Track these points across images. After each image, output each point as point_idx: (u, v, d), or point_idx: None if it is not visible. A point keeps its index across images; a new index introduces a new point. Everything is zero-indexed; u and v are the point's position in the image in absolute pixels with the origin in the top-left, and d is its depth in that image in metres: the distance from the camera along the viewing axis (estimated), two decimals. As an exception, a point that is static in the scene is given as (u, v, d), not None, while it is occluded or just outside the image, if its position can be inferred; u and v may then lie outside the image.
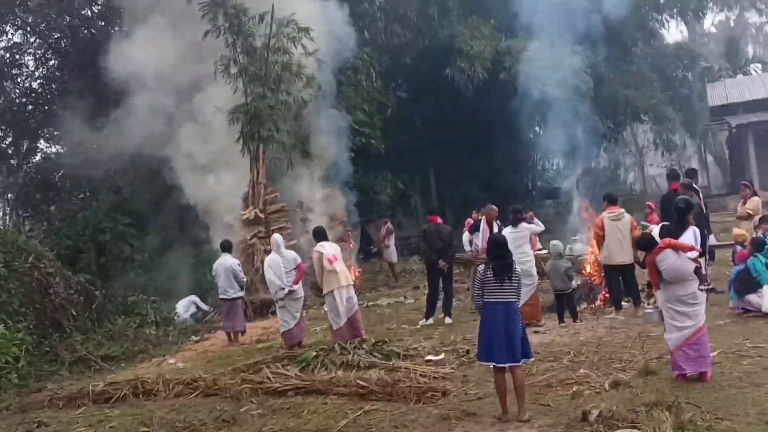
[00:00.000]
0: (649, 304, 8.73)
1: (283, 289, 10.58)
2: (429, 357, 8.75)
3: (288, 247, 16.21)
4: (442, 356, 8.76)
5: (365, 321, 11.25)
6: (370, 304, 14.49)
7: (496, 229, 13.00)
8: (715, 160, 41.56)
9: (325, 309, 10.80)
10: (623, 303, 10.71)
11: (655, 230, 7.23)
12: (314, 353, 9.03)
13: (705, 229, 11.63)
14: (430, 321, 11.85)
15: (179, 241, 17.19)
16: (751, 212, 11.25)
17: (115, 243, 16.76)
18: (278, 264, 10.64)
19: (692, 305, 6.81)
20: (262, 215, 15.44)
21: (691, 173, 12.99)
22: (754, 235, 9.99)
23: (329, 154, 18.19)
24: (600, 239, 10.63)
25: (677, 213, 6.99)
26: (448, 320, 11.74)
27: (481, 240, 12.92)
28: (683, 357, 6.87)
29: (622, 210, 10.66)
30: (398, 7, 24.53)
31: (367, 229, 25.68)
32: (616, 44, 28.28)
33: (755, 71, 37.64)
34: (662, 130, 29.68)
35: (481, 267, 6.56)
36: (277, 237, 11.19)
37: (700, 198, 11.47)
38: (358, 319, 10.42)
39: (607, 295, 11.02)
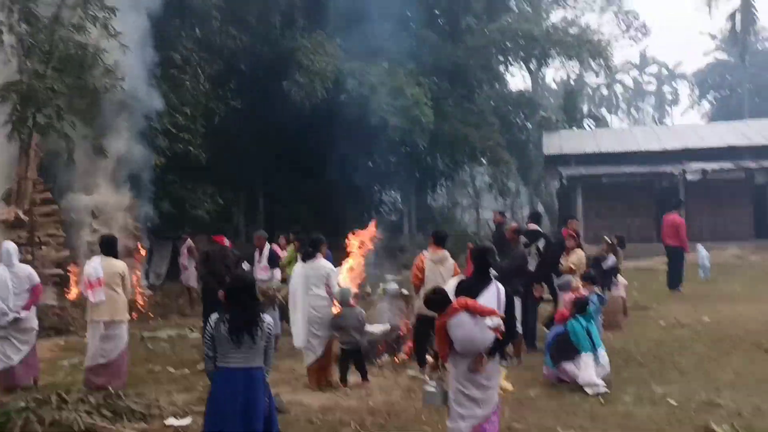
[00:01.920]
0: (432, 379, 7.12)
1: (6, 314, 8.15)
2: (171, 420, 6.74)
3: (57, 260, 13.80)
4: (188, 420, 6.77)
5: (131, 356, 9.02)
6: (147, 335, 12.20)
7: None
8: (546, 209, 42.69)
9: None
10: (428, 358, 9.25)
11: (451, 283, 5.73)
12: (22, 404, 6.79)
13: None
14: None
15: None
16: (573, 267, 10.22)
17: None
18: (5, 281, 8.21)
19: (485, 389, 5.35)
20: (25, 217, 12.70)
21: (535, 217, 11.88)
22: (577, 296, 8.89)
23: (132, 156, 15.76)
24: (419, 283, 8.97)
25: (476, 262, 5.59)
26: None
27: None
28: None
29: (447, 252, 9.19)
30: (237, 9, 22.54)
31: (179, 245, 23.30)
32: (461, 82, 27.92)
33: (589, 126, 39.02)
34: (498, 173, 29.63)
35: (214, 317, 4.76)
36: (9, 245, 8.47)
37: (546, 242, 10.43)
38: (118, 363, 8.20)
39: (413, 349, 9.53)
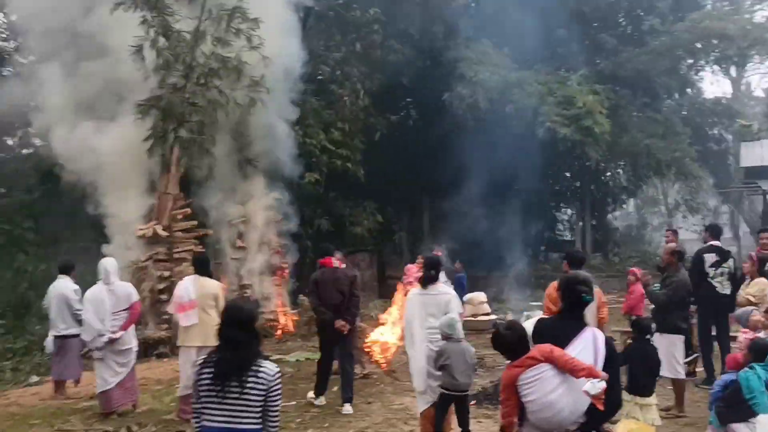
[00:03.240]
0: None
1: (103, 335, 7.83)
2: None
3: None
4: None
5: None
6: (274, 358, 11.61)
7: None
8: (750, 228, 37.99)
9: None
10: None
11: (528, 324, 4.30)
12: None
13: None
14: (322, 400, 8.75)
15: (85, 255, 14.30)
16: (753, 299, 8.16)
17: (8, 249, 14.11)
18: (102, 300, 7.86)
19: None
20: (164, 233, 12.71)
21: (714, 230, 9.76)
22: (754, 337, 6.95)
23: (281, 171, 15.52)
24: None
25: (566, 297, 4.15)
26: (346, 409, 8.36)
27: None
28: None
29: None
30: (399, 22, 21.99)
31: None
32: (643, 89, 25.38)
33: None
34: (688, 188, 26.64)
35: (199, 359, 3.79)
36: (107, 262, 8.20)
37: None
38: None
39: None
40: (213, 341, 7.50)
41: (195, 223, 13.45)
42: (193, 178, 13.89)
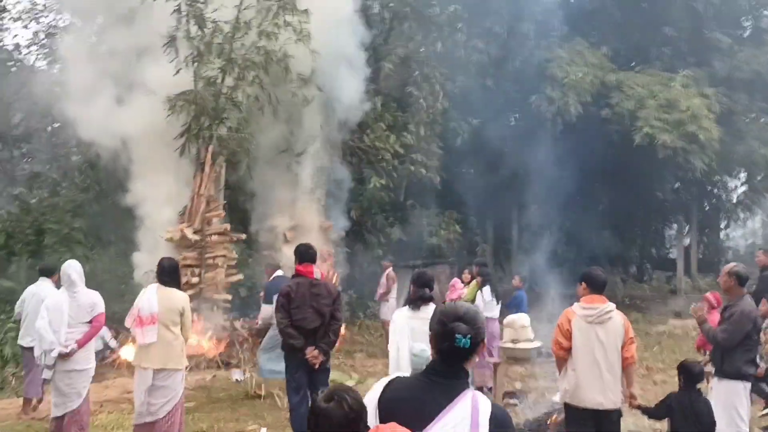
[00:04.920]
0: None
1: (53, 349, 6.69)
2: None
3: (228, 284, 12.73)
4: None
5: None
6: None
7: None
8: None
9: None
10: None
11: (377, 387, 2.93)
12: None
13: None
14: (296, 438, 7.11)
15: (114, 258, 13.84)
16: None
17: (55, 248, 13.89)
18: (60, 309, 6.77)
19: None
20: (195, 237, 11.96)
21: None
22: None
23: (334, 174, 14.62)
24: (562, 353, 5.91)
25: (437, 343, 2.72)
26: None
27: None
28: None
29: (610, 306, 5.89)
30: (483, 19, 20.67)
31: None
32: (762, 92, 22.67)
33: None
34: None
35: None
36: (70, 266, 6.99)
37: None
38: (168, 423, 6.52)
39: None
40: (174, 363, 6.64)
41: (228, 226, 12.65)
42: (237, 179, 13.18)
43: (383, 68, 17.46)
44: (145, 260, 11.60)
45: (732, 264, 6.35)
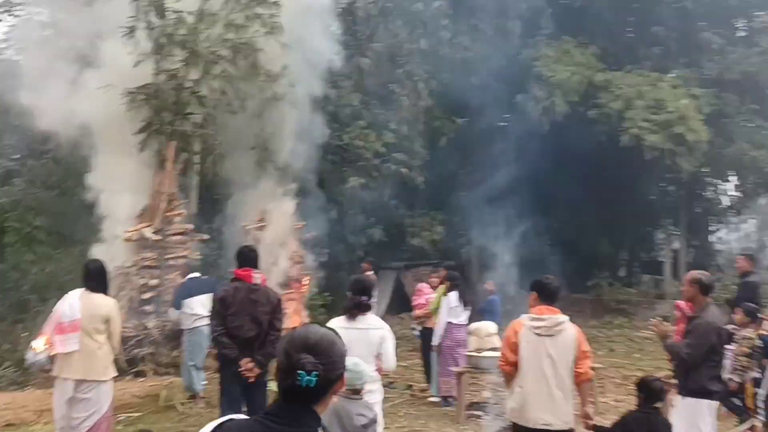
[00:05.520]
0: None
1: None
2: None
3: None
4: None
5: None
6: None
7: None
8: None
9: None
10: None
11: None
12: None
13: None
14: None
15: (79, 258, 13.25)
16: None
17: (16, 248, 13.39)
18: None
19: None
20: (153, 236, 11.51)
21: None
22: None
23: (307, 173, 14.19)
24: (509, 368, 5.45)
25: (281, 379, 2.19)
26: None
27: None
28: None
29: (562, 318, 5.37)
30: (469, 16, 20.26)
31: (402, 277, 21.52)
32: (753, 93, 22.24)
33: None
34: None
35: None
36: None
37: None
38: None
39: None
40: (97, 374, 6.17)
41: (188, 227, 12.15)
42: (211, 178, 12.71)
43: (363, 64, 17.01)
44: (105, 259, 11.10)
45: (695, 271, 5.92)
